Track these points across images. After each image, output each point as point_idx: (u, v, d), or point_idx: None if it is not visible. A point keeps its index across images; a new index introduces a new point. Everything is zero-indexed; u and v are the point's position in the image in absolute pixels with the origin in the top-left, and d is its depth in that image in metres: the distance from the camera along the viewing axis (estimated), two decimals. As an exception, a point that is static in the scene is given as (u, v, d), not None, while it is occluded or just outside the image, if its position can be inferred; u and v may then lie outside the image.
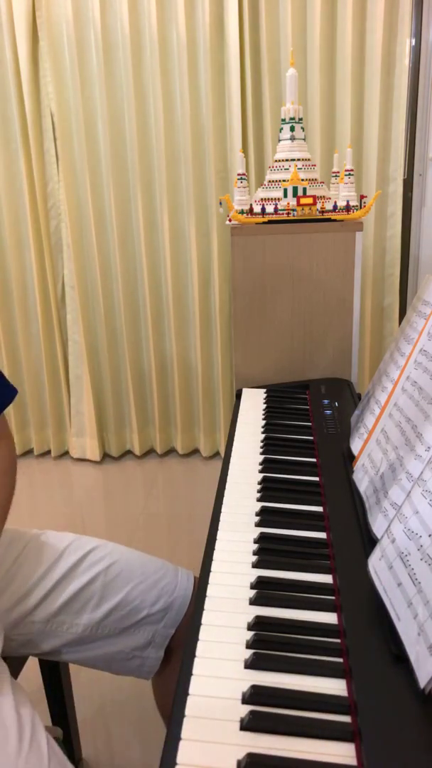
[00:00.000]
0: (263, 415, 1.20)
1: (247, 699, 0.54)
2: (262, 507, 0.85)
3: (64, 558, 0.92)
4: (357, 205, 1.36)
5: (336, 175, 1.51)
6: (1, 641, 0.81)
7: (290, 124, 1.35)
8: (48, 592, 0.90)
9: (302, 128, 1.37)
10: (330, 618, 0.64)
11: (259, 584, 0.69)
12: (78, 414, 2.63)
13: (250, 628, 0.63)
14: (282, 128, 1.37)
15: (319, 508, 0.85)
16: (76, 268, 2.42)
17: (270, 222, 1.34)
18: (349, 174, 1.37)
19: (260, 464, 0.99)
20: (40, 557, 0.92)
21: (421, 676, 0.52)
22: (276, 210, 1.35)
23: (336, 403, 1.21)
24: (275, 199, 1.36)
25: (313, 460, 0.99)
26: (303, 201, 1.32)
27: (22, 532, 0.97)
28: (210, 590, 0.69)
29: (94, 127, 2.28)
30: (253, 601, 0.66)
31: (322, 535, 0.79)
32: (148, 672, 0.93)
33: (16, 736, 0.68)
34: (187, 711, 0.53)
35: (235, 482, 0.94)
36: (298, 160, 1.35)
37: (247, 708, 0.53)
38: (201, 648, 0.60)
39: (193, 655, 0.59)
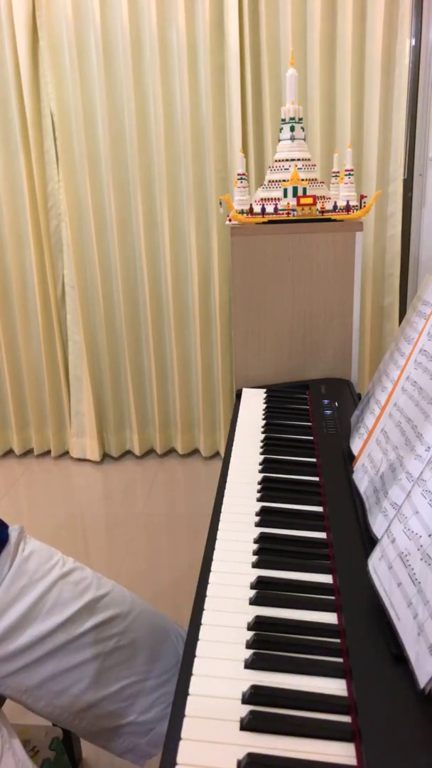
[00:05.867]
0: (263, 415, 1.20)
1: (247, 699, 0.54)
2: (262, 507, 0.85)
3: (75, 622, 0.79)
4: (357, 205, 1.36)
5: (336, 175, 1.51)
6: None
7: (290, 124, 1.35)
8: (40, 658, 0.77)
9: (302, 128, 1.37)
10: (330, 618, 0.64)
11: (259, 584, 0.69)
12: (78, 414, 2.63)
13: (250, 628, 0.63)
14: (282, 128, 1.37)
15: (319, 508, 0.85)
16: (76, 268, 2.42)
17: (270, 222, 1.34)
18: (349, 174, 1.37)
19: (260, 464, 0.99)
20: (50, 613, 0.79)
21: (420, 676, 0.52)
22: (276, 210, 1.35)
23: (336, 403, 1.21)
24: (275, 199, 1.36)
25: (313, 460, 0.99)
26: (303, 201, 1.32)
27: (46, 569, 0.82)
28: (210, 590, 0.69)
29: (94, 127, 2.27)
30: (253, 601, 0.66)
31: (322, 535, 0.79)
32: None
33: None
34: (187, 711, 0.53)
35: (235, 482, 0.94)
36: (298, 160, 1.35)
37: (247, 708, 0.53)
38: (201, 648, 0.60)
39: (193, 655, 0.59)
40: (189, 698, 0.55)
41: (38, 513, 2.28)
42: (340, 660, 0.58)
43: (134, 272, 2.45)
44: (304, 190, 1.33)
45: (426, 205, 2.28)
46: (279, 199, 1.35)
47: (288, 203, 1.33)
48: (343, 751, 0.50)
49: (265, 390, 1.34)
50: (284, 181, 1.34)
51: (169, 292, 2.42)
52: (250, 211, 1.37)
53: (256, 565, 0.73)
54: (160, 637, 0.87)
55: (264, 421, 1.17)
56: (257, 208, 1.36)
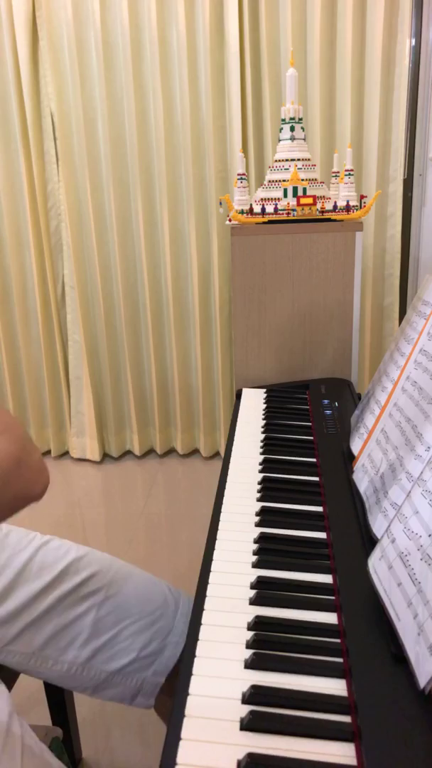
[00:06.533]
0: (263, 415, 1.20)
1: (247, 699, 0.54)
2: (262, 507, 0.85)
3: (60, 582, 0.86)
4: (357, 205, 1.36)
5: (336, 175, 1.51)
6: None
7: (290, 124, 1.35)
8: (35, 619, 0.85)
9: (302, 128, 1.37)
10: (330, 618, 0.64)
11: (259, 584, 0.69)
12: (78, 414, 2.63)
13: (250, 628, 0.63)
14: (282, 128, 1.37)
15: (319, 508, 0.85)
16: (76, 268, 2.42)
17: (270, 222, 1.34)
18: (349, 174, 1.37)
19: (260, 464, 0.99)
20: (39, 575, 0.87)
21: (421, 676, 0.52)
22: (276, 210, 1.35)
23: (336, 403, 1.21)
24: (275, 199, 1.36)
25: (313, 460, 0.99)
26: (303, 201, 1.32)
27: (26, 541, 0.91)
28: (210, 590, 0.69)
29: (94, 127, 2.28)
30: (253, 601, 0.66)
31: (322, 535, 0.79)
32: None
33: None
34: (187, 711, 0.53)
35: (235, 482, 0.94)
36: (298, 160, 1.35)
37: (247, 708, 0.53)
38: (201, 648, 0.60)
39: (193, 655, 0.59)
40: (189, 698, 0.55)
41: (38, 513, 2.27)
42: (340, 660, 0.58)
43: (134, 272, 2.45)
44: (304, 190, 1.33)
45: (426, 205, 2.28)
46: (279, 199, 1.35)
47: (288, 203, 1.33)
48: (343, 751, 0.50)
49: (265, 390, 1.34)
50: (284, 181, 1.34)
51: (169, 291, 2.43)
52: (250, 211, 1.37)
53: (256, 565, 0.73)
54: (145, 582, 0.93)
55: (264, 421, 1.17)
56: (257, 208, 1.36)
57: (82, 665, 0.85)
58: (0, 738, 0.66)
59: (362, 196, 1.41)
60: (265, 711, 0.53)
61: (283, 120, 1.36)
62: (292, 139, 1.36)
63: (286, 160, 1.36)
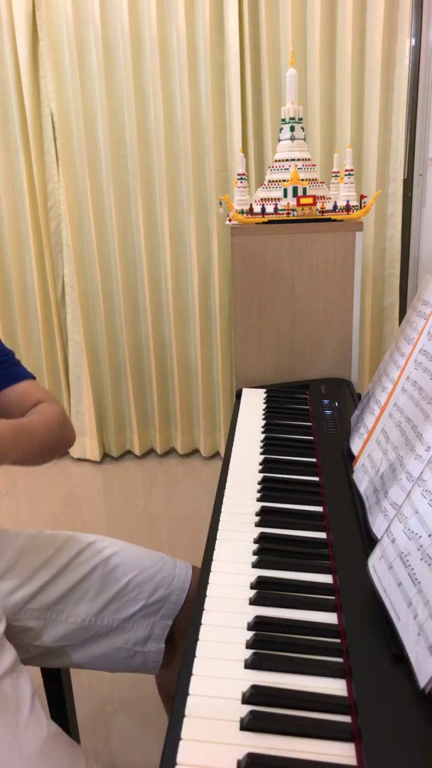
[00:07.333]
0: (263, 415, 1.20)
1: (247, 699, 0.54)
2: (262, 507, 0.85)
3: (64, 550, 0.95)
4: (357, 205, 1.36)
5: (336, 175, 1.51)
6: (3, 624, 0.84)
7: (290, 124, 1.35)
8: (47, 582, 0.92)
9: (302, 128, 1.37)
10: (330, 618, 0.64)
11: (259, 584, 0.69)
12: (78, 414, 2.63)
13: (250, 628, 0.63)
14: (282, 128, 1.37)
15: (319, 508, 0.85)
16: (76, 268, 2.42)
17: (270, 222, 1.34)
18: (349, 174, 1.37)
19: (260, 464, 0.99)
20: (41, 548, 0.95)
21: (421, 676, 0.52)
22: (276, 210, 1.35)
23: (336, 403, 1.21)
24: (275, 199, 1.36)
25: (313, 460, 0.99)
26: (303, 201, 1.32)
27: (22, 530, 1.00)
28: (210, 590, 0.69)
29: (94, 127, 2.28)
30: (253, 601, 0.66)
31: (322, 535, 0.79)
32: (153, 666, 0.94)
33: (14, 711, 0.71)
34: (187, 711, 0.53)
35: (235, 482, 0.94)
36: (298, 160, 1.35)
37: (247, 708, 0.53)
38: (201, 648, 0.60)
39: (193, 655, 0.59)
40: (189, 698, 0.55)
41: (38, 513, 2.27)
42: (340, 660, 0.58)
43: (134, 272, 2.45)
44: (304, 190, 1.33)
45: (426, 205, 2.28)
46: (279, 199, 1.35)
47: (288, 203, 1.33)
48: (343, 751, 0.50)
49: (265, 390, 1.34)
50: (284, 181, 1.34)
51: (169, 292, 2.42)
52: (250, 211, 1.38)
53: (256, 565, 0.73)
54: (140, 547, 1.01)
55: (264, 421, 1.17)
56: (257, 208, 1.36)
57: (95, 616, 0.92)
58: (24, 715, 0.71)
59: (362, 196, 1.41)
60: (265, 711, 0.53)
61: (283, 120, 1.36)
62: (292, 139, 1.36)
63: (286, 160, 1.36)
